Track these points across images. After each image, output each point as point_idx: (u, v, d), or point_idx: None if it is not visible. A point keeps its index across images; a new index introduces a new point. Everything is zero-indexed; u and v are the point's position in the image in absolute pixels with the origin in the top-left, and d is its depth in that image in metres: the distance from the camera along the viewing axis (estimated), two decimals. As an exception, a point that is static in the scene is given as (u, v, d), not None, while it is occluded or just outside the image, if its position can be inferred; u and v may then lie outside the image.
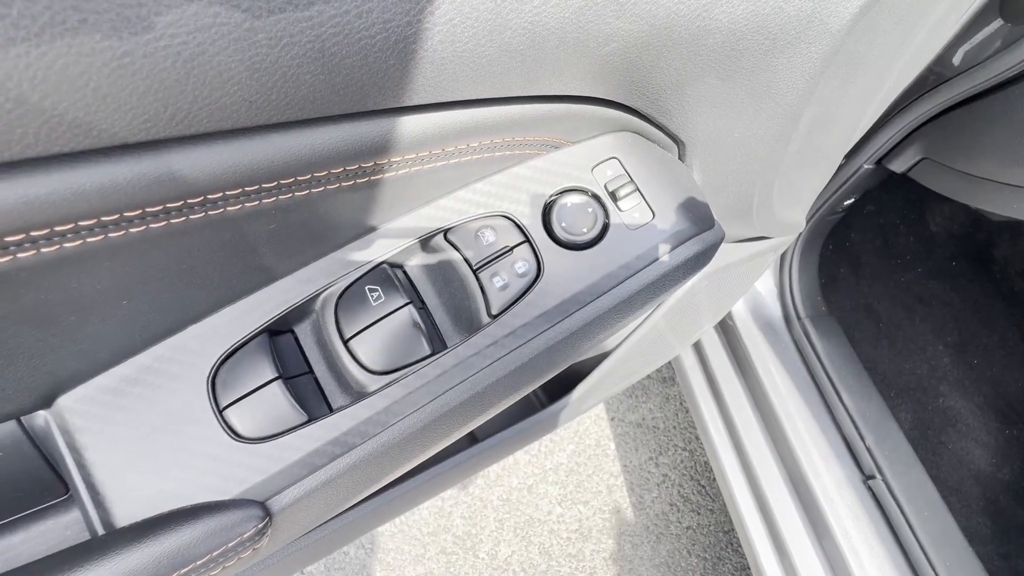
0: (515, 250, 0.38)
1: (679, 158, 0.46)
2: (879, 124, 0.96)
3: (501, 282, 0.38)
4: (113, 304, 0.31)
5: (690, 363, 1.27)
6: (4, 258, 0.24)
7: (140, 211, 0.26)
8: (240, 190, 0.28)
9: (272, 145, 0.27)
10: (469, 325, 0.39)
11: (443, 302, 0.40)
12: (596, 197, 0.40)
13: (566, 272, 0.39)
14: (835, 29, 0.36)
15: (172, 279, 0.31)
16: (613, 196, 0.40)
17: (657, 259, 0.40)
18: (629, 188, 0.40)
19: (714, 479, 1.49)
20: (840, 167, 1.03)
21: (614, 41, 0.31)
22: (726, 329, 1.23)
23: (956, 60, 0.87)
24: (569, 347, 0.39)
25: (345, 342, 0.36)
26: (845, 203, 1.12)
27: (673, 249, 0.40)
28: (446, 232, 0.39)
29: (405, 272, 0.40)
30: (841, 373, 1.12)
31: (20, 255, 0.24)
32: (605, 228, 0.40)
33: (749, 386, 1.18)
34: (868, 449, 1.04)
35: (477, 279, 0.38)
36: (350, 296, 0.37)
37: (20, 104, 0.20)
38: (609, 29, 0.30)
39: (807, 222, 1.14)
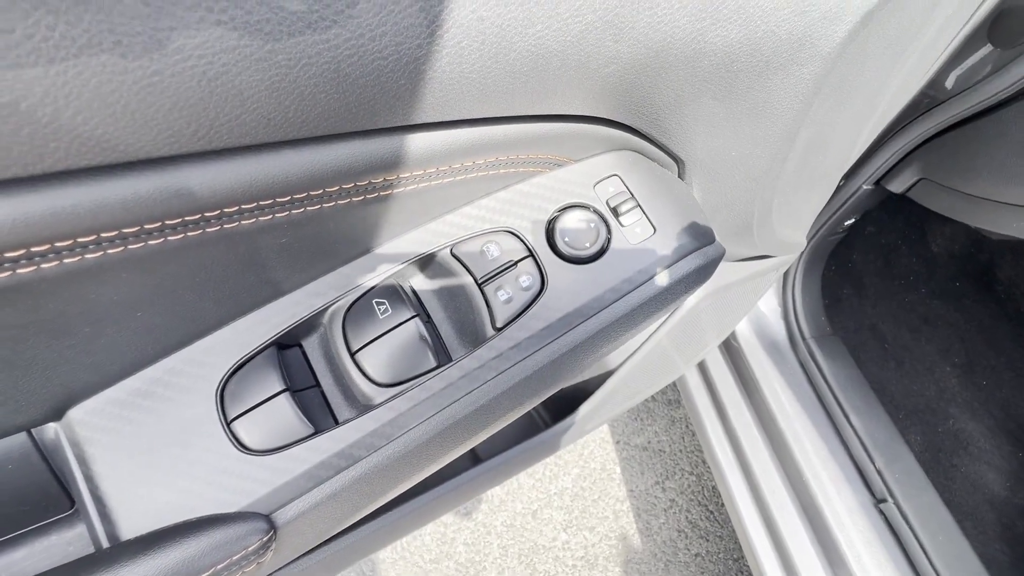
0: (519, 264, 0.39)
1: (679, 176, 0.47)
2: (876, 145, 0.98)
3: (506, 295, 0.39)
4: (127, 316, 0.31)
5: (695, 384, 1.27)
6: (28, 268, 0.25)
7: (159, 224, 0.27)
8: (255, 204, 0.29)
9: (287, 161, 0.28)
10: (474, 338, 0.39)
11: (448, 316, 0.40)
12: (598, 213, 0.41)
13: (569, 286, 0.39)
14: (825, 52, 0.37)
15: (185, 291, 0.32)
16: (615, 212, 0.41)
17: (659, 273, 0.41)
18: (630, 204, 0.41)
19: (722, 504, 1.46)
20: (839, 188, 1.04)
21: (614, 63, 0.33)
22: (731, 350, 1.22)
23: (949, 84, 0.89)
24: (573, 360, 0.40)
25: (352, 355, 0.37)
26: (846, 223, 1.13)
27: (674, 263, 0.41)
28: (452, 247, 0.40)
29: (412, 286, 0.41)
30: (848, 394, 1.11)
31: (44, 266, 0.25)
32: (607, 243, 0.40)
33: (755, 407, 1.17)
34: (878, 472, 1.02)
35: (482, 293, 0.39)
36: (358, 310, 0.38)
37: (55, 119, 0.21)
38: (608, 52, 0.32)
39: (808, 242, 1.15)
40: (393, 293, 0.38)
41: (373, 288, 0.38)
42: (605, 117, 0.39)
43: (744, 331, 1.21)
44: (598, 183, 0.41)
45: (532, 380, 0.39)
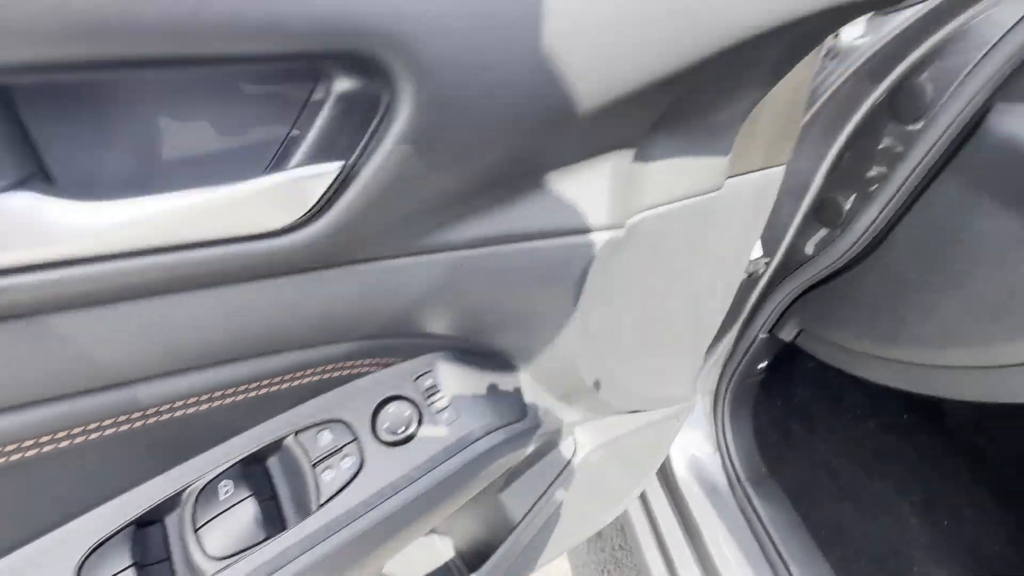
0: (345, 448, 0.49)
1: (504, 365, 0.59)
2: (764, 297, 1.11)
3: (331, 475, 0.48)
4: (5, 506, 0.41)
5: (642, 530, 1.25)
6: None
7: (83, 428, 0.38)
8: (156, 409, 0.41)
9: (186, 379, 0.41)
10: (305, 513, 0.47)
11: (288, 493, 0.49)
12: (413, 403, 0.52)
13: (384, 466, 0.49)
14: (579, 270, 0.50)
15: (66, 483, 0.42)
16: (428, 401, 0.52)
17: (463, 450, 0.50)
18: (440, 394, 0.52)
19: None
20: (740, 337, 1.15)
21: (417, 302, 0.46)
22: (674, 492, 1.23)
23: (808, 250, 1.04)
24: (386, 530, 0.47)
25: (195, 531, 0.45)
26: (759, 367, 1.21)
27: (476, 440, 0.50)
28: (297, 434, 0.50)
29: (264, 467, 0.50)
30: (788, 543, 1.09)
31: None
32: (418, 427, 0.50)
33: (700, 558, 1.14)
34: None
35: (314, 473, 0.48)
36: (208, 490, 0.47)
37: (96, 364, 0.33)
38: (404, 301, 0.45)
39: (727, 387, 1.22)
40: (240, 474, 0.48)
41: (226, 470, 0.48)
42: (425, 332, 0.52)
43: (683, 474, 1.23)
44: (417, 378, 0.53)
45: (351, 547, 0.46)
